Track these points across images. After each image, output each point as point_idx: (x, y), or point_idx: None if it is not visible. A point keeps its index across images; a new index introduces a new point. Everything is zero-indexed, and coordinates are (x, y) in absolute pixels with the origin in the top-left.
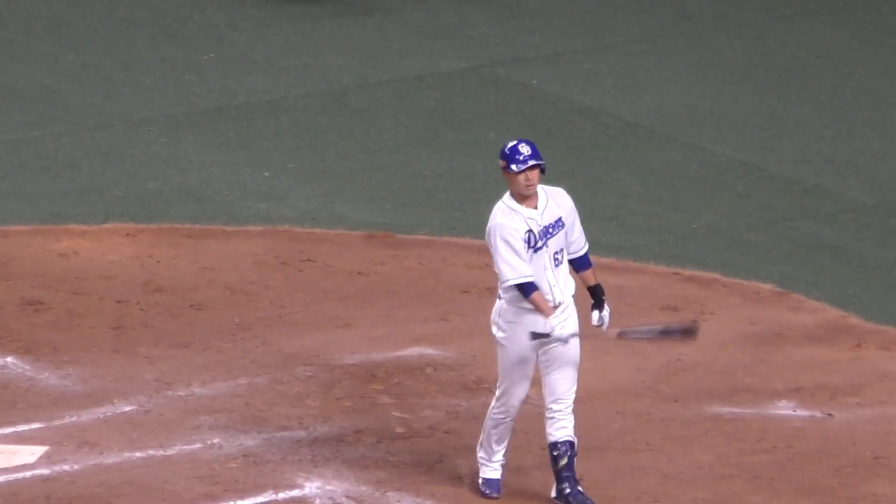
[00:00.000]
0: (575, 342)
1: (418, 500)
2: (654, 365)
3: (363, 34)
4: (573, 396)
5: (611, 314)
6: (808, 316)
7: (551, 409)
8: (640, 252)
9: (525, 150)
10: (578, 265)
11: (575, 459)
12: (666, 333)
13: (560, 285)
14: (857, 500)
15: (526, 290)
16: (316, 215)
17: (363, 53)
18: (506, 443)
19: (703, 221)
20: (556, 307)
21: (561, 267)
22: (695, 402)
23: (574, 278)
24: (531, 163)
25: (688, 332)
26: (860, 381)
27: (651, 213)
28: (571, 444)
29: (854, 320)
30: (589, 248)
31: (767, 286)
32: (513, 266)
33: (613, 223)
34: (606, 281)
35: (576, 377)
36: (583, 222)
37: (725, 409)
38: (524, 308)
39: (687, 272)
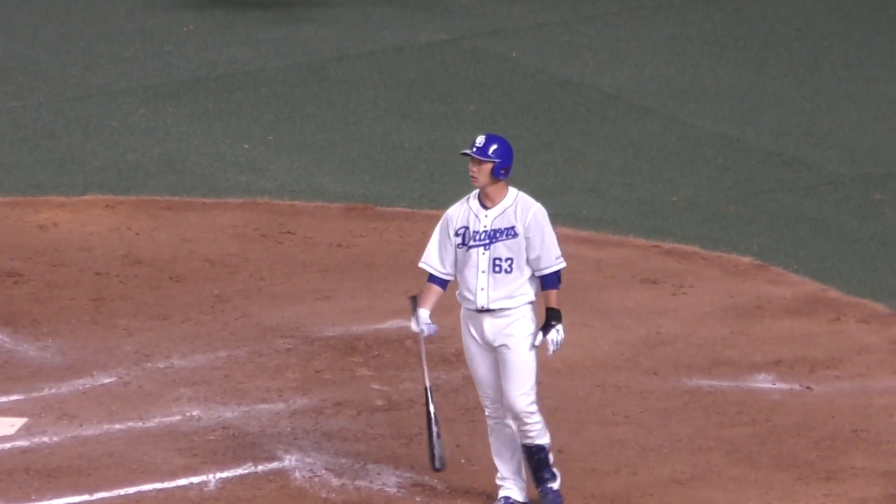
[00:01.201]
0: (519, 351)
1: (398, 472)
2: (633, 338)
3: (343, 6)
4: (525, 403)
5: (559, 341)
6: (787, 289)
7: (510, 419)
8: (619, 225)
9: (477, 139)
10: (542, 283)
11: (549, 455)
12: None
13: (489, 290)
14: (835, 472)
15: (429, 277)
16: (295, 187)
17: (343, 25)
18: (511, 457)
19: (682, 194)
20: (480, 311)
21: (504, 275)
22: (674, 374)
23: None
24: (466, 150)
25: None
26: (839, 355)
27: (630, 186)
28: (538, 447)
29: (833, 293)
30: (560, 271)
31: (747, 259)
32: (427, 252)
33: (593, 195)
34: (585, 254)
35: (524, 386)
36: (562, 195)
37: (704, 382)
38: (468, 309)
39: (666, 245)
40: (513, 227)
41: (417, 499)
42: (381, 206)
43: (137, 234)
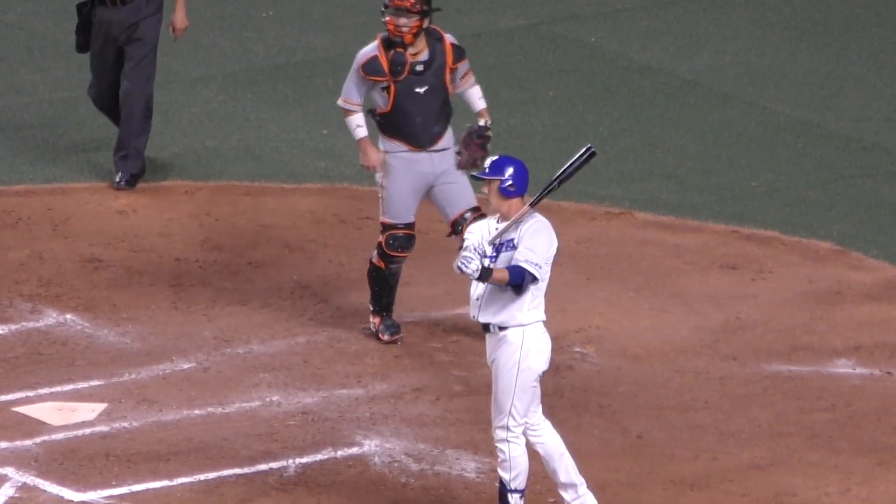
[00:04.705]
0: (498, 377)
1: (477, 458)
2: (712, 323)
3: None
4: (497, 432)
5: (459, 265)
6: (867, 274)
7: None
8: (698, 210)
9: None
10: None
11: (507, 492)
12: (571, 169)
13: (482, 303)
14: None
15: None
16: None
17: None
18: (552, 472)
19: (761, 180)
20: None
21: (499, 291)
22: (753, 360)
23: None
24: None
25: (589, 156)
26: None
27: (709, 172)
28: (500, 479)
29: None
30: (526, 274)
31: (826, 244)
32: None
33: (672, 181)
34: (664, 240)
35: (498, 415)
36: (641, 181)
37: (784, 368)
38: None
39: (746, 230)
40: (513, 240)
41: (497, 484)
42: None
43: (216, 219)
